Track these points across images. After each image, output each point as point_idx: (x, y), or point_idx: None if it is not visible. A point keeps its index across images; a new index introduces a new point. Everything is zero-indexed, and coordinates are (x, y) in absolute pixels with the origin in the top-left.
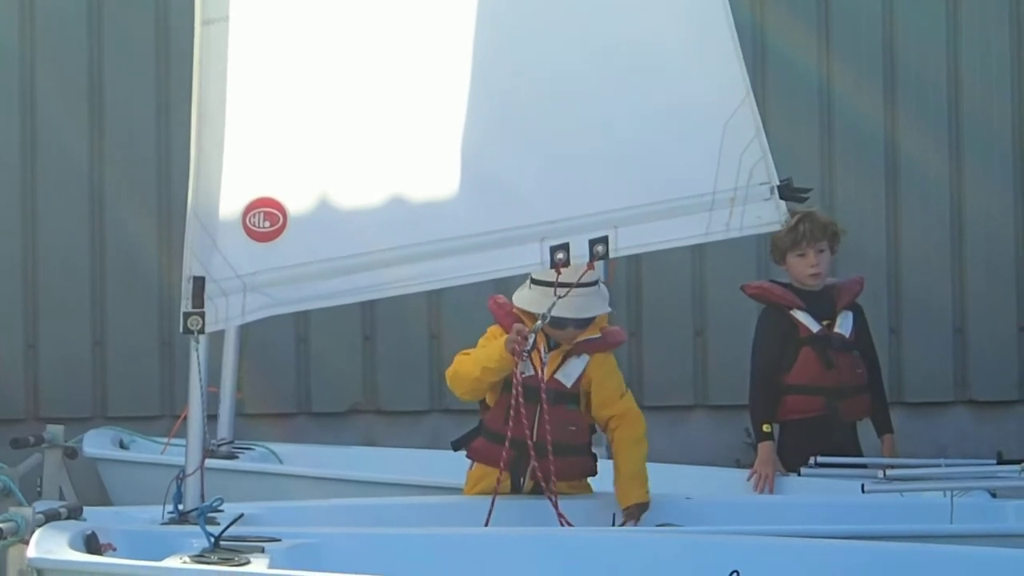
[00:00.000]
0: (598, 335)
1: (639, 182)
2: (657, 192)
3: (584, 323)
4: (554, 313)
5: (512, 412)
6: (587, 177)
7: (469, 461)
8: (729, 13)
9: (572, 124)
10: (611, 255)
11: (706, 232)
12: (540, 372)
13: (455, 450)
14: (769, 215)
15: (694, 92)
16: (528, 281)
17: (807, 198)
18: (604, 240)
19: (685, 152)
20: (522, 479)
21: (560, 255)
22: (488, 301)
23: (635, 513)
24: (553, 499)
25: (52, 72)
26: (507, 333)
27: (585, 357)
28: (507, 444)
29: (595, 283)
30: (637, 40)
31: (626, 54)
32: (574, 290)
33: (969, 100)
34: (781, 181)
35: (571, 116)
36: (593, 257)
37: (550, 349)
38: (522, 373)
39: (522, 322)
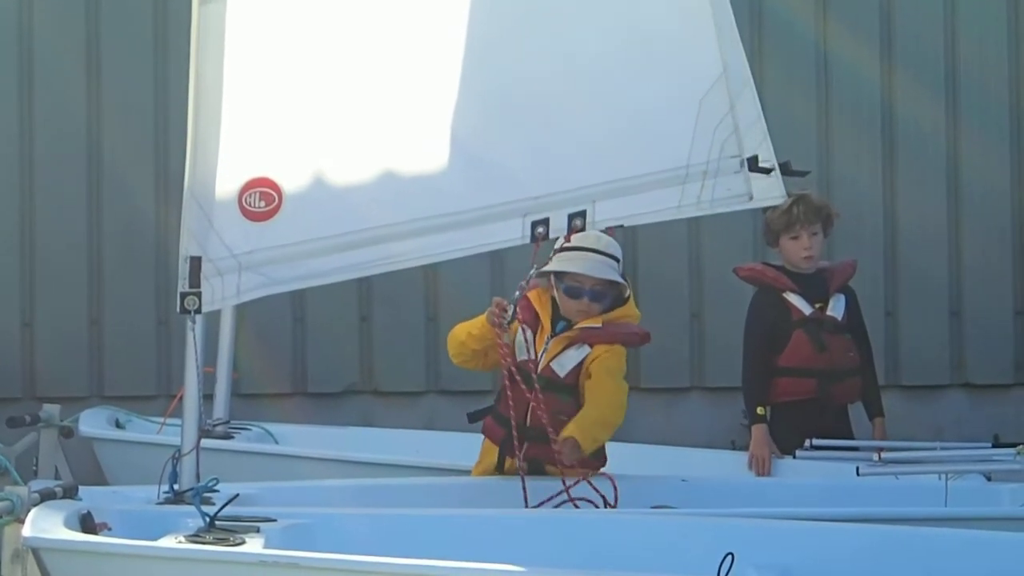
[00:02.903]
0: (599, 325)
1: (618, 157)
2: (635, 166)
3: (599, 294)
4: (568, 268)
5: (508, 393)
6: (570, 153)
7: (466, 443)
8: None
9: (557, 102)
10: (587, 228)
11: (679, 205)
12: (533, 355)
13: (470, 421)
14: (738, 187)
15: (673, 70)
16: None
17: (808, 172)
18: (582, 214)
19: (663, 128)
20: (516, 459)
21: (540, 229)
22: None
23: (563, 448)
24: (524, 478)
25: (50, 51)
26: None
27: (585, 348)
28: (487, 422)
29: (616, 259)
30: (621, 21)
31: (611, 35)
32: (588, 252)
33: (966, 80)
34: (779, 162)
35: (557, 95)
36: (571, 230)
37: (554, 334)
38: (505, 343)
39: (533, 309)
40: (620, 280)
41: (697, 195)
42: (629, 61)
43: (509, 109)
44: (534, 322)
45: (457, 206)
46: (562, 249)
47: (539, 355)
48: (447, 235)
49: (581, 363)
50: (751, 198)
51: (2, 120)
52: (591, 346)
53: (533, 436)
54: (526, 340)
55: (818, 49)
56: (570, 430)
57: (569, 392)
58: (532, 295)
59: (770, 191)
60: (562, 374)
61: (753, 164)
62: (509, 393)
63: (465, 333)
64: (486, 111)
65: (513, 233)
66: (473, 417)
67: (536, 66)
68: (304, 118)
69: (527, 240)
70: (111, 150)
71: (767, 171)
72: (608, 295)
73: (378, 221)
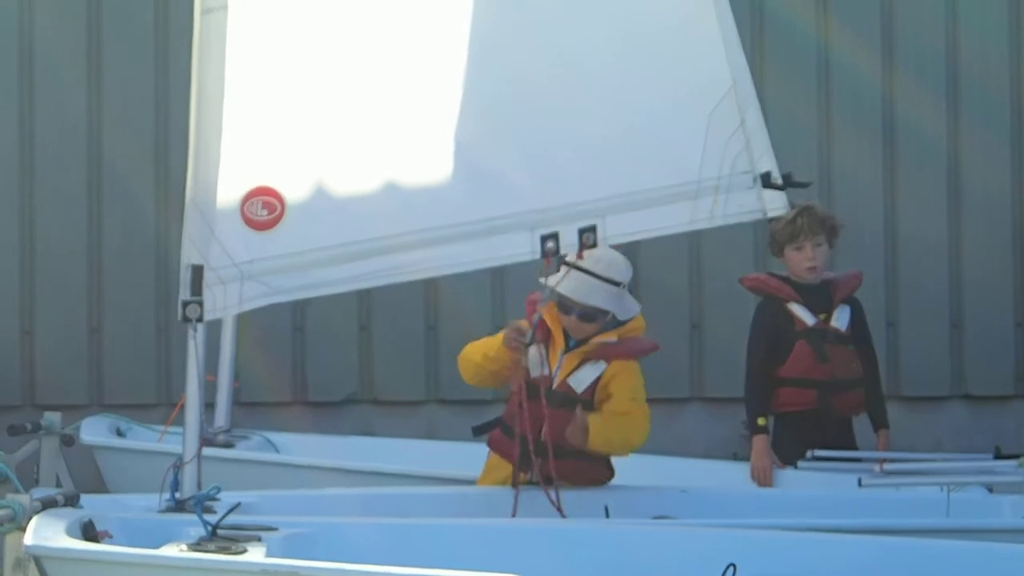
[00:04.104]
0: (614, 339)
1: (628, 171)
2: (645, 181)
3: (589, 315)
4: (559, 289)
5: (518, 408)
6: (578, 166)
7: (466, 453)
8: (719, 1)
9: (563, 114)
10: (599, 243)
11: (690, 220)
12: (546, 370)
13: (475, 435)
14: (751, 203)
15: (681, 83)
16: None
17: (809, 184)
18: (592, 229)
19: (672, 141)
20: (529, 474)
21: (550, 244)
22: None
23: (575, 422)
24: (549, 492)
25: (51, 58)
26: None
27: (602, 364)
28: (495, 432)
29: (617, 284)
30: (627, 33)
31: (617, 47)
32: (584, 274)
33: (968, 83)
34: (782, 175)
35: (563, 107)
36: (582, 246)
37: (568, 350)
38: (524, 366)
39: (545, 323)
40: (607, 308)
41: (709, 210)
42: (636, 72)
43: (513, 119)
44: (546, 336)
45: (461, 217)
46: (566, 263)
47: (553, 370)
48: (452, 247)
49: (598, 379)
50: (764, 213)
51: (2, 127)
52: (607, 361)
53: (548, 453)
54: (540, 354)
55: (819, 52)
56: (593, 421)
57: (586, 407)
58: (544, 308)
59: (773, 202)
60: (579, 390)
61: (767, 181)
62: (526, 413)
63: (481, 355)
64: (489, 121)
65: (522, 247)
66: (479, 430)
67: (541, 76)
68: (306, 127)
69: (537, 254)
70: (112, 157)
71: (780, 188)
72: (599, 318)
73: (381, 232)
